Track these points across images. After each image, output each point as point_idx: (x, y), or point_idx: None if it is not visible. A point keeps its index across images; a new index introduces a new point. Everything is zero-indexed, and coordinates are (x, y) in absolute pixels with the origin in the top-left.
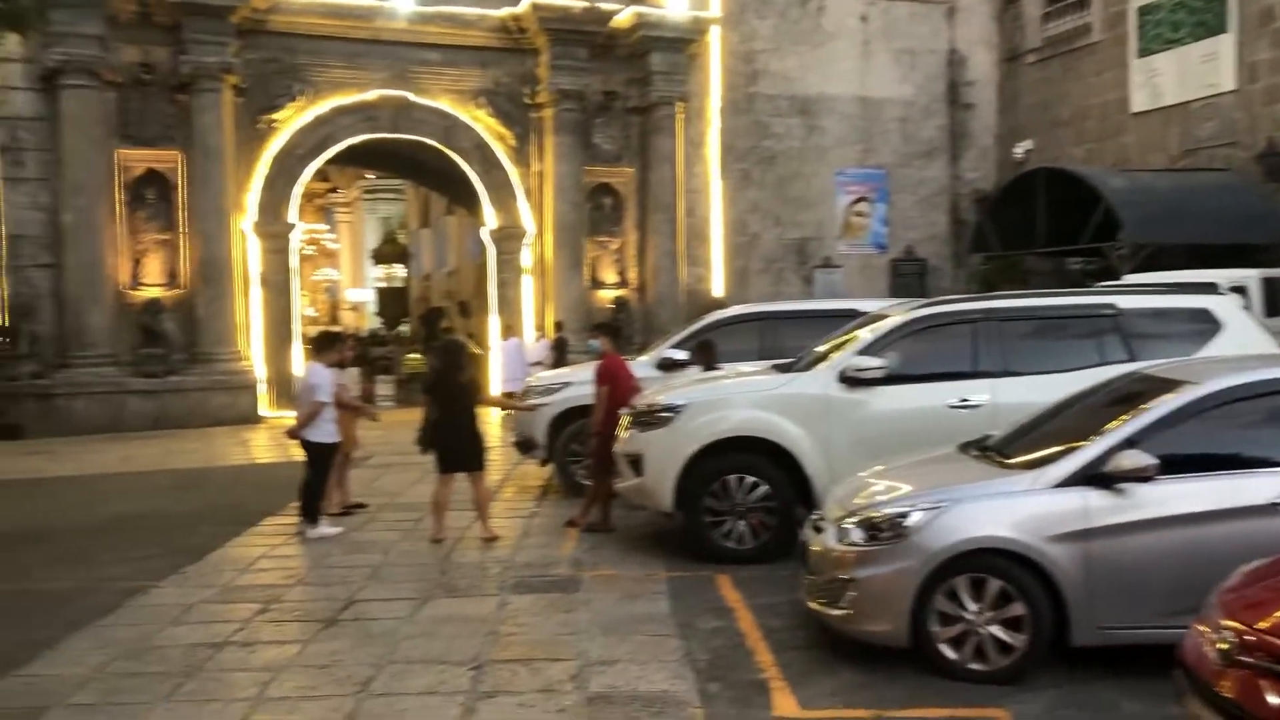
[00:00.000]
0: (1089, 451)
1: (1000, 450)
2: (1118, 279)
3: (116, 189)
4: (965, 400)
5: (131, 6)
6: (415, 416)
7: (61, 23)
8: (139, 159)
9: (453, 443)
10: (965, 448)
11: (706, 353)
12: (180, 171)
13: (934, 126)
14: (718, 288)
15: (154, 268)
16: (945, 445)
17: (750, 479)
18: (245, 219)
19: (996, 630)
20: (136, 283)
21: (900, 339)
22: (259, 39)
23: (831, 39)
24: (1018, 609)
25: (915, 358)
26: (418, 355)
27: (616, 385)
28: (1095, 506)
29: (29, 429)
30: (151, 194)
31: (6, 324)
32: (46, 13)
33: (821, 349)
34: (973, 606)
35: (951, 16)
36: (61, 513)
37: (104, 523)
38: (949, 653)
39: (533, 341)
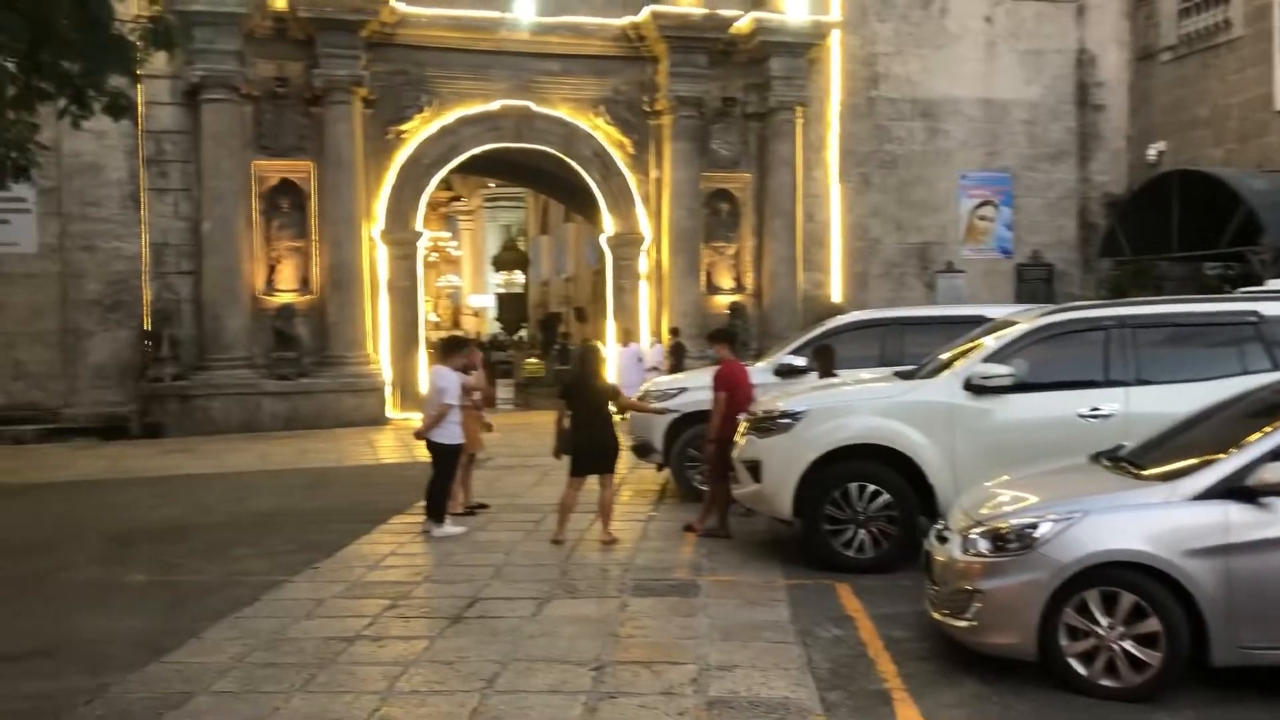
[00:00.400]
0: (1231, 463)
1: (1134, 461)
2: (1260, 285)
3: (253, 198)
4: (1096, 410)
5: (268, 23)
6: (533, 420)
7: (203, 40)
8: (274, 169)
9: (587, 446)
10: (1097, 458)
11: (825, 358)
12: (312, 181)
13: (1062, 128)
14: (836, 293)
15: (287, 274)
16: (1075, 456)
17: (872, 487)
18: (374, 227)
19: (1130, 646)
20: (271, 288)
21: (1028, 346)
22: (388, 52)
23: (955, 41)
24: (1152, 625)
25: (1044, 365)
26: (536, 360)
27: (735, 391)
28: (1236, 521)
29: (169, 428)
30: (285, 203)
31: (150, 328)
32: (190, 31)
33: (946, 356)
34: (1105, 621)
35: (1081, 15)
36: (203, 509)
37: (242, 518)
38: (1079, 668)
39: (648, 347)
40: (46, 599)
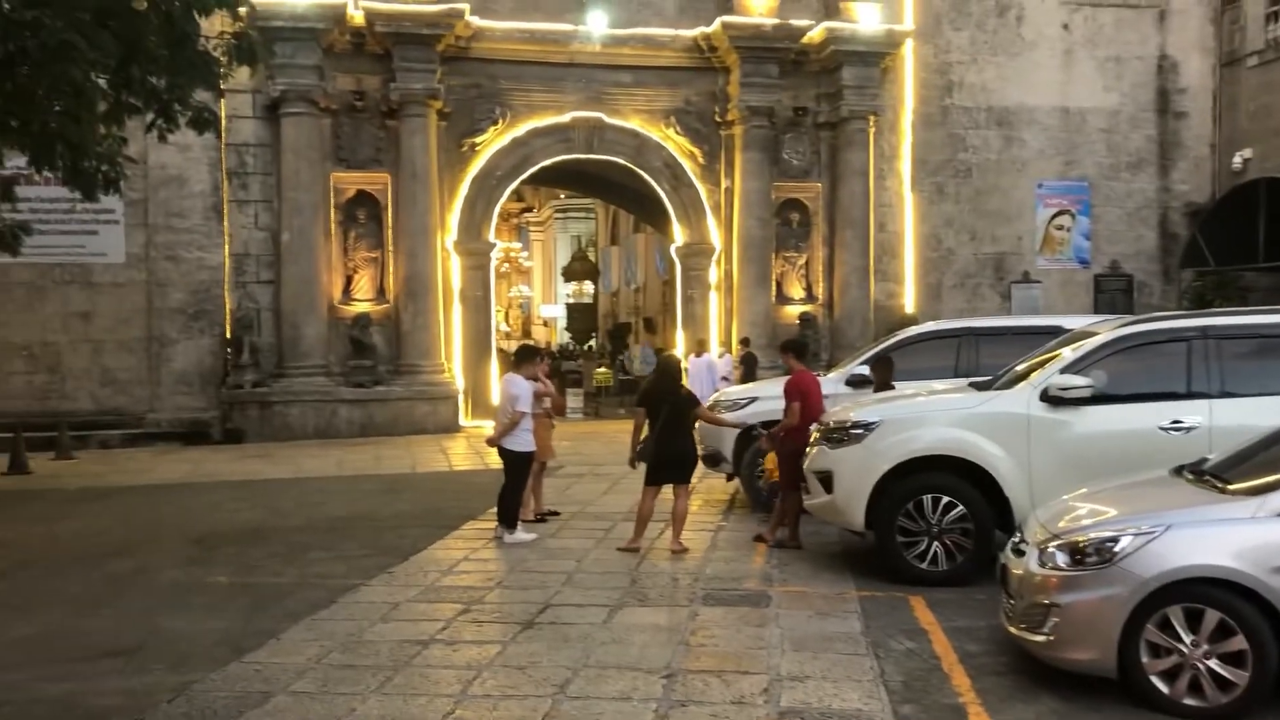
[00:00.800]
0: None
1: (1219, 475)
2: None
3: (331, 209)
4: (1178, 422)
5: (346, 38)
6: (603, 428)
7: (284, 55)
8: (351, 181)
9: (665, 455)
10: (1179, 471)
11: (883, 371)
12: (389, 192)
13: (1142, 136)
14: (909, 304)
15: (364, 284)
16: (1156, 469)
17: (946, 499)
18: (448, 237)
19: (1215, 665)
20: (348, 298)
21: (1107, 357)
22: (462, 65)
23: (1031, 48)
24: (1239, 643)
25: (1123, 377)
26: (606, 369)
27: (806, 400)
28: None
29: (249, 434)
30: (362, 214)
31: (230, 336)
32: (272, 46)
33: (1022, 367)
34: (1188, 639)
35: (1162, 21)
36: (281, 513)
37: (319, 523)
38: (1161, 686)
39: (719, 357)
40: (132, 599)
